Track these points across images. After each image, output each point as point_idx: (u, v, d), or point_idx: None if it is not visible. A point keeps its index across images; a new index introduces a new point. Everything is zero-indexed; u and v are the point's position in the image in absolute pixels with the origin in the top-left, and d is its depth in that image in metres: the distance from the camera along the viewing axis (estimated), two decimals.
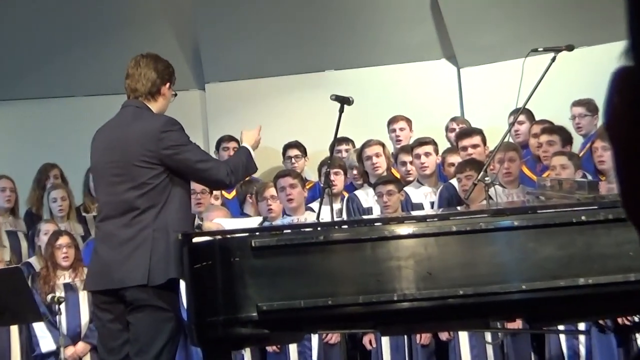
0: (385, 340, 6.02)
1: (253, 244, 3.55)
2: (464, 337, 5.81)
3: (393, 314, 3.55)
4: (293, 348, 6.07)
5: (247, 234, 3.72)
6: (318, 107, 7.47)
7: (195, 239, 3.79)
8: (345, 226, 4.12)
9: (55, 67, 8.27)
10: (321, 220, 5.14)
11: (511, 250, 3.51)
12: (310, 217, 6.09)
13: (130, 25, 8.16)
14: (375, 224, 3.96)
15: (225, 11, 8.16)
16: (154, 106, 4.24)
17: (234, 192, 7.10)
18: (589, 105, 6.55)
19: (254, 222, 5.30)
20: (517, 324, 5.49)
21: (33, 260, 6.53)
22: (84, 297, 6.13)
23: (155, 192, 4.04)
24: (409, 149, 6.69)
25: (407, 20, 8.01)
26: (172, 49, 7.53)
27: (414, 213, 5.80)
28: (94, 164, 4.30)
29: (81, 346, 6.16)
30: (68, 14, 8.06)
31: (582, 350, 5.63)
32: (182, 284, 4.03)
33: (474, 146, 6.35)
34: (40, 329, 6.09)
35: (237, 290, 3.55)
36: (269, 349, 6.07)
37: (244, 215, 6.76)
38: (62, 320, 5.89)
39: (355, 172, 6.82)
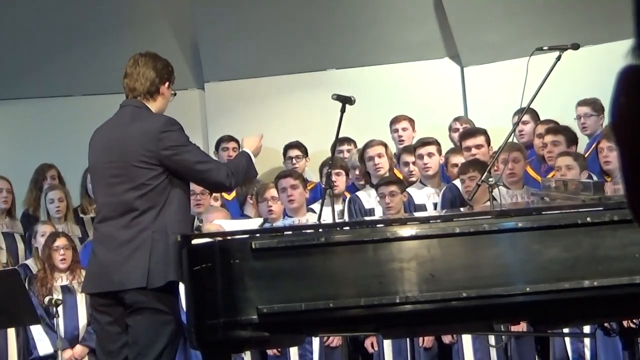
0: (387, 344, 6.01)
1: (253, 246, 3.53)
2: (467, 340, 5.79)
3: (395, 316, 3.54)
4: (294, 351, 6.04)
5: (247, 236, 3.70)
6: (319, 106, 7.44)
7: (195, 241, 3.78)
8: (347, 227, 4.12)
9: (55, 66, 8.25)
10: (322, 222, 5.11)
11: (515, 252, 3.52)
12: (311, 219, 6.06)
13: (130, 25, 8.14)
14: (378, 225, 3.95)
15: (225, 11, 8.14)
16: (153, 106, 4.20)
17: (234, 193, 7.07)
18: (594, 104, 6.51)
19: (254, 223, 5.25)
20: (521, 327, 5.46)
21: (30, 262, 6.50)
22: (81, 300, 6.10)
23: (154, 193, 4.01)
24: (411, 150, 6.66)
25: (410, 19, 7.96)
26: (171, 48, 7.51)
27: (417, 214, 5.79)
28: (92, 164, 4.28)
29: (79, 349, 6.14)
30: (68, 14, 8.05)
31: (587, 353, 5.62)
32: (182, 286, 4.00)
33: (478, 146, 6.31)
34: (37, 331, 6.07)
35: (237, 292, 3.53)
36: (270, 352, 6.05)
37: (244, 216, 6.75)
38: (60, 323, 5.84)
39: (357, 172, 6.79)
